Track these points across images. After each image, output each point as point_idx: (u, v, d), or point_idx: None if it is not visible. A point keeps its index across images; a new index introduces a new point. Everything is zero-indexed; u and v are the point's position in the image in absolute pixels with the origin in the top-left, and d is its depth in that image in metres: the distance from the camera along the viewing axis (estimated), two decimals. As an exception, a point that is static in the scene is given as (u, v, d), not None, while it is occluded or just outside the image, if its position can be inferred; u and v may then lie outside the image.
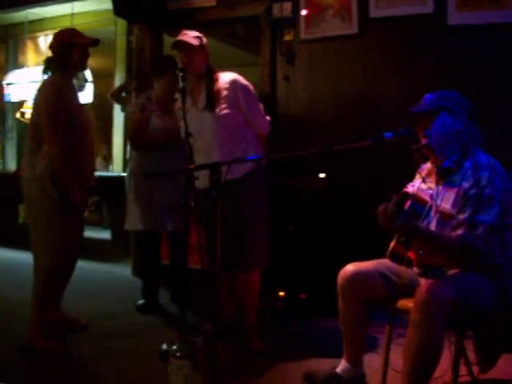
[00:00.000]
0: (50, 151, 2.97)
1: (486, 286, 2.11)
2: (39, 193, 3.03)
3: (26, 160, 3.14)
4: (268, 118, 3.30)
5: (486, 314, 2.12)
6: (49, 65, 3.15)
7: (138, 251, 4.03)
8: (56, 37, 3.15)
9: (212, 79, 3.08)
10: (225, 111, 3.04)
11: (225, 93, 3.04)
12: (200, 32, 3.17)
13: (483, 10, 3.66)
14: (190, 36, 3.07)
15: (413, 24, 3.88)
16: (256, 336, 3.15)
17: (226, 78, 3.08)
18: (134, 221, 3.81)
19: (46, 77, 3.15)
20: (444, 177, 2.29)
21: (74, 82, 3.32)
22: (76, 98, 3.24)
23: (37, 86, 3.19)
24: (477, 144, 2.28)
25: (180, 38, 3.06)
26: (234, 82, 3.06)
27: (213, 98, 3.05)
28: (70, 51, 3.08)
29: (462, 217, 2.13)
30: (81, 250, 3.41)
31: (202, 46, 3.08)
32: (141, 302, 3.86)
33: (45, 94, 3.05)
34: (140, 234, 3.87)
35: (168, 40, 4.73)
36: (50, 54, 3.18)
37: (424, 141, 2.30)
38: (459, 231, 2.12)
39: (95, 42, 3.19)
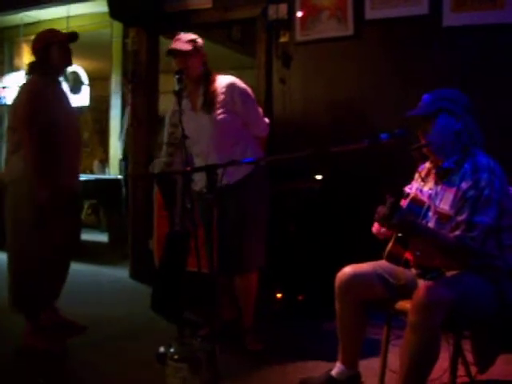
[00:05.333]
0: (24, 152, 3.00)
1: (483, 287, 2.11)
2: (16, 195, 3.05)
3: (5, 163, 3.18)
4: (267, 120, 3.30)
5: (484, 315, 2.12)
6: (31, 68, 3.19)
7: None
8: (34, 40, 3.20)
9: (209, 81, 3.07)
10: (222, 115, 3.02)
11: (222, 96, 3.03)
12: (195, 34, 3.16)
13: (479, 10, 3.66)
14: (183, 41, 3.05)
15: (408, 25, 3.88)
16: (252, 337, 3.15)
17: (223, 81, 3.07)
18: None
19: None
20: (443, 177, 2.29)
21: (64, 82, 3.33)
22: (60, 98, 3.22)
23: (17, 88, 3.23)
24: (477, 144, 2.28)
25: (172, 45, 3.06)
26: (230, 86, 3.05)
27: (210, 99, 3.04)
28: (49, 51, 3.11)
29: (459, 218, 2.14)
30: (77, 253, 3.42)
31: (196, 49, 3.06)
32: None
33: (22, 96, 3.09)
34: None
35: (164, 43, 4.73)
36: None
37: (423, 140, 2.31)
38: (456, 232, 2.12)
39: (72, 37, 3.21)
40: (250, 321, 3.20)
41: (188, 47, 3.03)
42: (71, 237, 3.30)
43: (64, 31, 3.27)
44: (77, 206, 3.48)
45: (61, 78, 3.34)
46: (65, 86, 3.40)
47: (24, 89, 3.11)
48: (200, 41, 3.13)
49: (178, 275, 3.73)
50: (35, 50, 3.16)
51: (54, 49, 3.11)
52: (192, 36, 3.11)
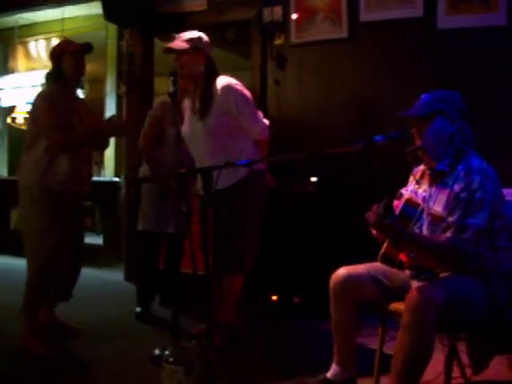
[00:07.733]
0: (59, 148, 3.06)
1: (477, 288, 2.12)
2: (30, 200, 3.10)
3: (20, 168, 3.20)
4: (267, 122, 3.23)
5: (478, 316, 2.13)
6: (47, 78, 3.26)
7: (139, 254, 4.01)
8: (50, 51, 3.28)
9: (208, 83, 3.03)
10: (214, 120, 2.99)
11: (217, 99, 3.00)
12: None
13: (473, 13, 3.68)
14: (182, 39, 3.04)
15: (403, 28, 3.90)
16: (219, 333, 3.03)
17: (219, 83, 3.04)
18: (144, 222, 3.81)
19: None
20: (437, 179, 2.30)
21: (78, 90, 3.43)
22: (74, 106, 3.26)
23: (29, 95, 3.27)
24: (470, 146, 2.28)
25: (168, 44, 3.04)
26: (226, 88, 3.01)
27: (205, 105, 3.00)
28: (61, 60, 3.18)
29: (451, 219, 2.14)
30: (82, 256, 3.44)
31: (195, 48, 3.02)
32: (138, 309, 3.80)
33: (39, 105, 3.13)
34: (143, 237, 3.86)
35: (159, 44, 4.73)
36: (39, 59, 3.24)
37: (418, 143, 2.31)
38: (448, 234, 2.13)
39: (86, 47, 3.24)
40: (228, 319, 3.15)
41: (184, 46, 3.01)
42: (77, 239, 3.34)
43: (77, 42, 3.31)
44: (82, 209, 3.50)
45: (78, 89, 3.43)
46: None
47: (38, 98, 3.17)
48: (204, 40, 3.09)
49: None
50: (50, 60, 3.25)
51: (67, 58, 3.18)
52: (195, 34, 3.08)
